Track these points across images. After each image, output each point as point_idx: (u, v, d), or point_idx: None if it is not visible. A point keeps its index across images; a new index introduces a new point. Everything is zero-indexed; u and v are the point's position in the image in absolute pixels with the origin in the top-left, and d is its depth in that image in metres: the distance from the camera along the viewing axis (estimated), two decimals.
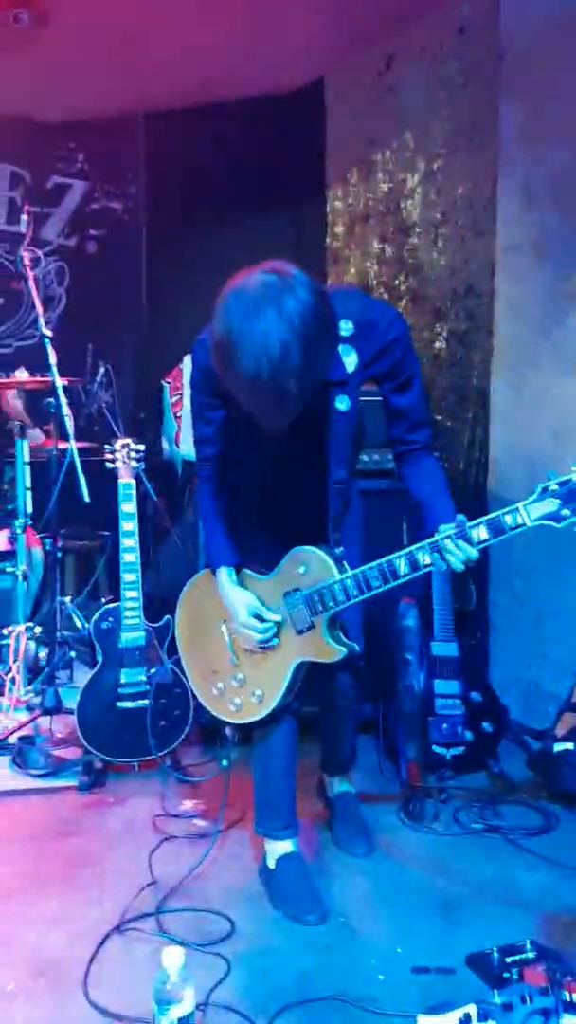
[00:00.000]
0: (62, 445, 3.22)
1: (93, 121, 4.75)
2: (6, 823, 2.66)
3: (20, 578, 3.55)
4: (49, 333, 3.25)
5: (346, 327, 1.93)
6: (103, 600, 4.04)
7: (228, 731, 2.33)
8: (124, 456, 3.03)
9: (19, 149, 4.79)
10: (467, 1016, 1.65)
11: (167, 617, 3.00)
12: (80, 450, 3.18)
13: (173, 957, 1.61)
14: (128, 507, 2.98)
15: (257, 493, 2.21)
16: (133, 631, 2.94)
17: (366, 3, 3.61)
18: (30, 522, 3.64)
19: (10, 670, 3.38)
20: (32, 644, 3.51)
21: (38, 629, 3.56)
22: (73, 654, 3.71)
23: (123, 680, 2.92)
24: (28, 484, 3.64)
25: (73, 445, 3.13)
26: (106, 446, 3.07)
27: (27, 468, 3.64)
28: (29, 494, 3.64)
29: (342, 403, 2.00)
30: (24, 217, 3.60)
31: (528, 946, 1.88)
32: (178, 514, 3.88)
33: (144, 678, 2.93)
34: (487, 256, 3.49)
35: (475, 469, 3.52)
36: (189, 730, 2.96)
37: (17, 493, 3.62)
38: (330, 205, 4.39)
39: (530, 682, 3.33)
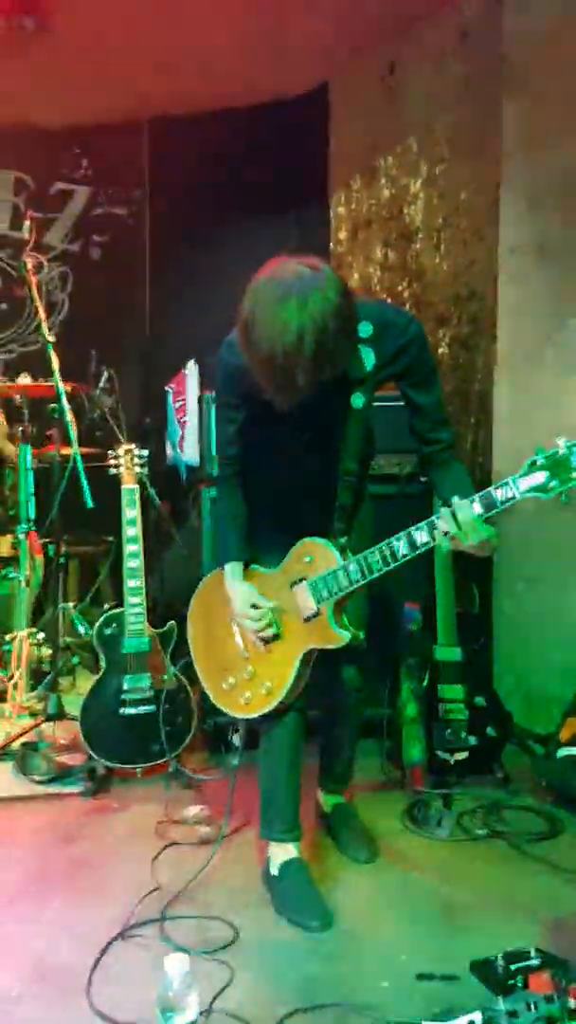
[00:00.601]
0: (65, 451, 3.22)
1: (97, 127, 4.76)
2: (9, 829, 2.66)
3: (23, 584, 3.55)
4: (52, 339, 3.26)
5: (365, 329, 2.02)
6: (106, 606, 4.04)
7: (235, 738, 2.34)
8: (127, 462, 3.03)
9: (23, 155, 4.80)
10: (471, 1023, 1.64)
11: (171, 623, 3.01)
12: (83, 456, 3.18)
13: (177, 964, 1.61)
14: (131, 513, 2.98)
15: (272, 485, 2.29)
16: (136, 637, 2.94)
17: (369, 9, 3.62)
18: (33, 528, 3.64)
19: (12, 676, 3.38)
20: (35, 650, 3.51)
21: (41, 635, 3.56)
22: (76, 660, 3.70)
23: (126, 686, 2.92)
24: (31, 490, 3.65)
25: (77, 451, 3.13)
26: (109, 452, 3.07)
27: (30, 474, 3.64)
28: (32, 500, 3.64)
29: (357, 400, 2.10)
30: (27, 223, 3.61)
31: (533, 953, 1.86)
32: (182, 520, 3.88)
33: (148, 684, 2.92)
34: (489, 260, 3.49)
35: (478, 472, 3.52)
36: (192, 736, 2.96)
37: (20, 499, 3.62)
38: (333, 210, 4.40)
39: (534, 687, 3.32)
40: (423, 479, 3.06)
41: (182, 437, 4.13)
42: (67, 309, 4.91)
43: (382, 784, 2.93)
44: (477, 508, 1.84)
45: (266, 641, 2.22)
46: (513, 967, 1.82)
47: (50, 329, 3.31)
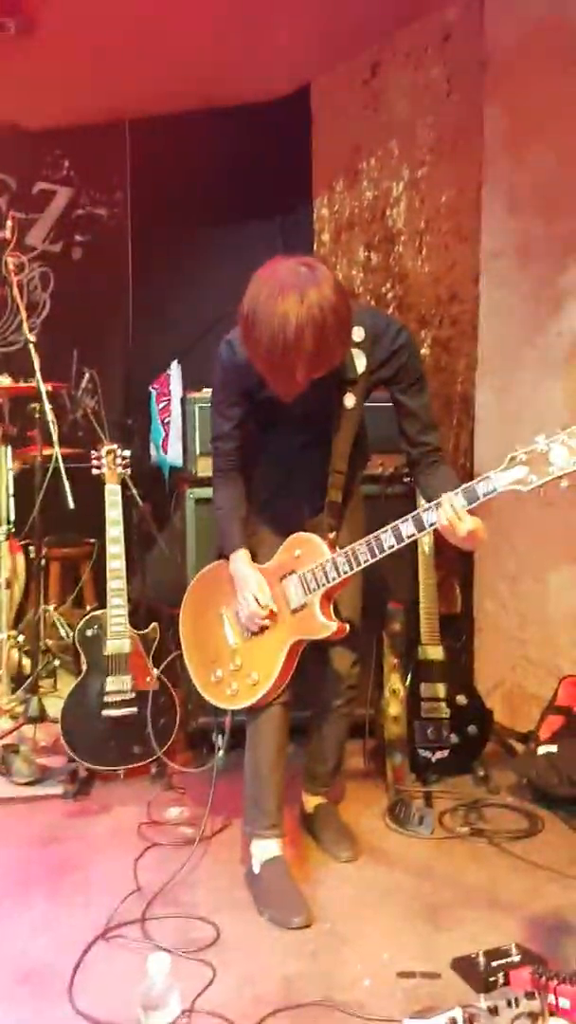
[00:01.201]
0: (47, 451, 3.21)
1: (79, 127, 4.74)
2: None
3: (3, 586, 3.53)
4: (33, 338, 3.25)
5: (358, 334, 2.12)
6: (88, 607, 4.03)
7: (218, 740, 2.36)
8: (110, 462, 3.03)
9: (4, 155, 4.78)
10: (453, 1020, 1.65)
11: (153, 624, 3.00)
12: (65, 456, 3.17)
13: (158, 964, 1.61)
14: (114, 513, 2.98)
15: (265, 481, 2.38)
16: (118, 638, 2.93)
17: (351, 11, 3.62)
18: (13, 529, 3.62)
19: None
20: (15, 652, 3.49)
21: (22, 637, 3.55)
22: (57, 662, 3.69)
23: (108, 688, 2.91)
24: (11, 491, 3.63)
25: (58, 451, 3.12)
26: (92, 452, 3.06)
27: (10, 475, 3.63)
28: (11, 501, 3.63)
29: (349, 400, 2.19)
30: (8, 223, 3.60)
31: (514, 950, 1.88)
32: (165, 520, 3.87)
33: (130, 686, 2.92)
34: (471, 263, 3.51)
35: (460, 475, 3.51)
36: (175, 738, 2.96)
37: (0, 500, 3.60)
38: (316, 212, 4.40)
39: (514, 685, 3.34)
40: (406, 479, 3.08)
41: (165, 438, 4.13)
42: (48, 309, 4.89)
43: (364, 783, 2.94)
44: (460, 500, 1.93)
45: (255, 633, 2.26)
46: (494, 964, 1.84)
47: (31, 329, 3.30)
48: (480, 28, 3.36)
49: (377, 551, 2.05)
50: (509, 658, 3.38)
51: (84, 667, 2.94)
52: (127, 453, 3.08)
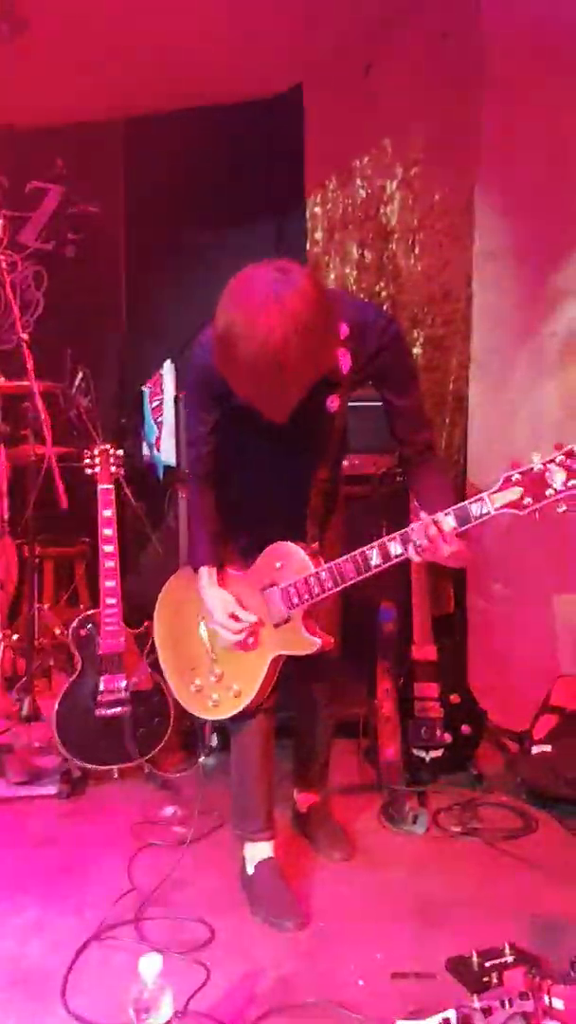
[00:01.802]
0: (40, 450, 3.20)
1: (72, 125, 4.72)
2: None
3: None
4: (25, 337, 3.24)
5: (341, 330, 1.95)
6: (82, 606, 4.02)
7: (209, 740, 2.34)
8: (103, 461, 3.02)
9: None
10: (446, 1021, 1.65)
11: (147, 623, 2.99)
12: (58, 456, 3.16)
13: (150, 965, 1.60)
14: (107, 513, 2.97)
15: (243, 488, 2.24)
16: (112, 638, 2.93)
17: (345, 9, 3.62)
18: (7, 528, 3.61)
19: None
20: (9, 652, 3.48)
21: (15, 636, 3.53)
22: (51, 662, 3.68)
23: (102, 687, 2.91)
24: (4, 490, 3.61)
25: (50, 451, 3.11)
26: (85, 451, 3.06)
27: (2, 474, 3.61)
28: (5, 500, 3.61)
29: (333, 403, 2.05)
30: (0, 221, 3.59)
31: (507, 950, 1.88)
32: (158, 519, 3.87)
33: (123, 685, 2.91)
34: (464, 261, 3.51)
35: (453, 473, 3.53)
36: (168, 737, 2.95)
37: None
38: (309, 211, 4.39)
39: (508, 685, 3.34)
40: (399, 478, 3.07)
41: (159, 437, 4.12)
42: (42, 308, 4.87)
43: (358, 782, 2.94)
44: (451, 521, 1.82)
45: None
46: (488, 964, 1.85)
47: (24, 328, 3.29)
48: (475, 27, 3.36)
49: (363, 569, 1.95)
50: (503, 657, 3.38)
51: (78, 666, 2.94)
52: (120, 452, 3.07)
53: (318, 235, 4.35)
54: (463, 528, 1.82)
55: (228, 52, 3.94)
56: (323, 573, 2.01)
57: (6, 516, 3.62)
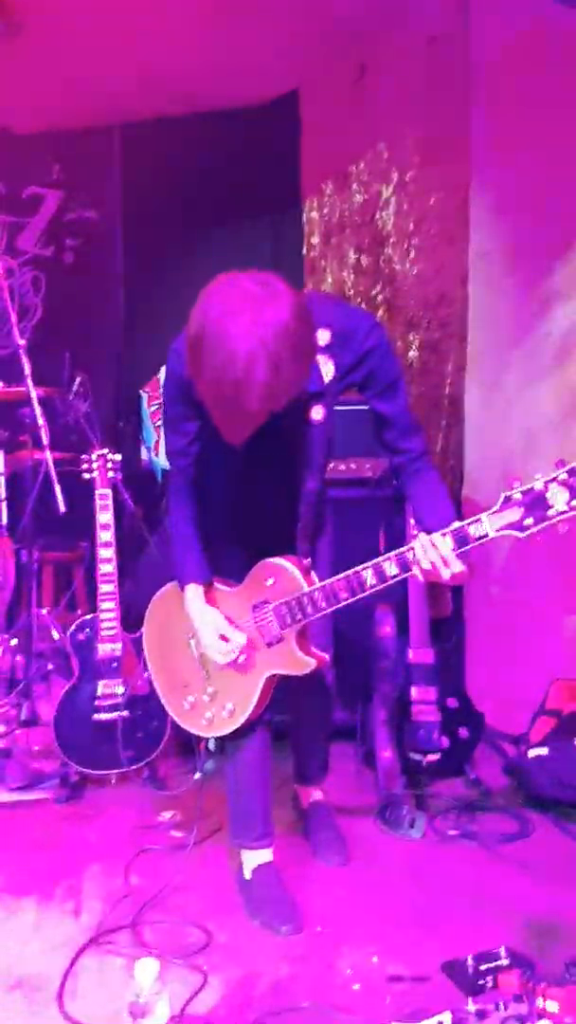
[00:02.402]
0: (38, 455, 3.21)
1: (69, 131, 4.74)
2: None
3: None
4: (23, 342, 3.25)
5: (323, 336, 1.90)
6: (80, 611, 4.02)
7: (208, 744, 2.33)
8: (101, 466, 3.03)
9: None
10: None
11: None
12: (56, 460, 3.17)
13: (146, 969, 1.61)
14: (105, 517, 2.98)
15: (229, 502, 2.19)
16: (110, 642, 2.94)
17: (338, 14, 3.63)
18: (5, 533, 3.62)
19: None
20: (8, 656, 3.48)
21: (14, 641, 3.54)
22: (50, 666, 3.68)
23: (100, 692, 2.91)
24: (2, 495, 3.63)
25: (48, 456, 3.12)
26: (83, 456, 3.06)
27: (1, 479, 3.62)
28: (3, 505, 3.62)
29: (317, 413, 1.98)
30: None
31: (502, 953, 1.88)
32: (156, 524, 3.87)
33: (121, 690, 2.92)
34: (459, 264, 3.52)
35: (449, 476, 3.54)
36: (166, 741, 2.96)
37: None
38: (306, 215, 4.41)
39: (505, 688, 3.35)
40: (396, 481, 3.08)
41: (157, 441, 4.14)
42: (40, 313, 4.89)
43: (355, 785, 2.94)
44: (449, 543, 1.77)
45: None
46: (483, 967, 1.85)
47: (22, 333, 3.30)
48: (466, 31, 3.37)
49: (358, 589, 1.90)
50: (500, 661, 3.38)
51: (76, 671, 2.94)
52: (118, 457, 3.08)
53: (315, 240, 4.37)
54: (461, 550, 1.77)
55: (224, 58, 3.96)
56: (317, 593, 1.96)
57: (5, 521, 3.63)
